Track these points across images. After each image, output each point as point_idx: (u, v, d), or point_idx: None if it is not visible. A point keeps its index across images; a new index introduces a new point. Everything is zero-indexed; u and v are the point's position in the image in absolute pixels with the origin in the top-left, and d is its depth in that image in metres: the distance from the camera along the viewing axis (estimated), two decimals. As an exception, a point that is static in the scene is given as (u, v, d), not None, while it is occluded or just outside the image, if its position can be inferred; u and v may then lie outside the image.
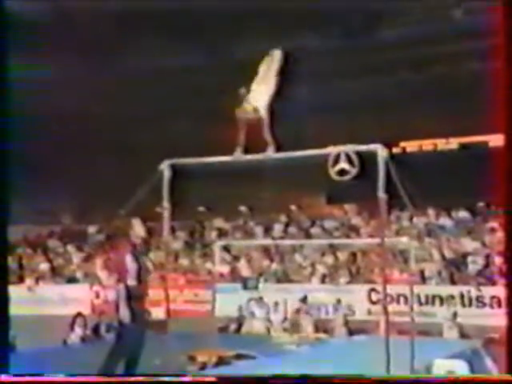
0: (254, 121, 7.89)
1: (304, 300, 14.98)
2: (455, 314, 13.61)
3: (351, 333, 14.08)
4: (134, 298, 7.38)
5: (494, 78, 5.17)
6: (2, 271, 5.38)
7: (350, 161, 19.21)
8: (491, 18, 5.12)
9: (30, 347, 11.90)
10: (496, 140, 15.53)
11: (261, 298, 15.53)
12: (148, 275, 7.95)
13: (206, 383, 5.42)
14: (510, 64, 4.98)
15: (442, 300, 14.31)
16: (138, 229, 6.97)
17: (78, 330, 12.51)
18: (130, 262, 7.35)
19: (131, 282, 7.37)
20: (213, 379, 5.39)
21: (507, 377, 5.15)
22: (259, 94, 7.99)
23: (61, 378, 5.39)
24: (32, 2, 15.18)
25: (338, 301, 14.83)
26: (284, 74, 8.05)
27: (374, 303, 14.60)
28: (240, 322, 15.09)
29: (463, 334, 13.21)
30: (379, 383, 5.43)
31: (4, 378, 5.11)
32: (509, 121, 5.02)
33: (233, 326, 15.00)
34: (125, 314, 7.31)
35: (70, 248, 20.56)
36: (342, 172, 19.47)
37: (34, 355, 9.84)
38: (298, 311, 14.89)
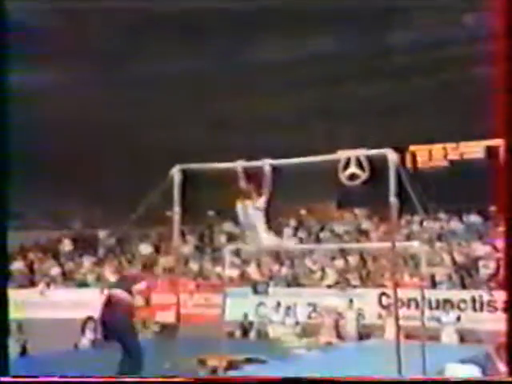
0: None
1: (314, 304, 14.94)
2: (466, 319, 13.53)
3: (361, 337, 14.04)
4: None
5: (506, 82, 5.16)
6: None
7: (360, 165, 19.23)
8: (499, 21, 5.12)
9: (41, 351, 11.94)
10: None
11: (271, 303, 15.52)
12: None
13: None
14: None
15: (452, 305, 14.24)
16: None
17: (89, 334, 12.56)
18: None
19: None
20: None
21: (508, 378, 5.13)
22: None
23: (60, 378, 5.39)
24: (34, 7, 15.18)
25: (349, 305, 14.78)
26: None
27: (384, 307, 14.54)
28: (250, 326, 15.09)
29: (475, 339, 13.13)
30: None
31: (4, 378, 5.09)
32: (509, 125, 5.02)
33: (243, 331, 14.99)
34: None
35: (81, 252, 20.62)
36: (353, 176, 19.48)
37: (45, 359, 9.86)
38: (308, 315, 14.86)
